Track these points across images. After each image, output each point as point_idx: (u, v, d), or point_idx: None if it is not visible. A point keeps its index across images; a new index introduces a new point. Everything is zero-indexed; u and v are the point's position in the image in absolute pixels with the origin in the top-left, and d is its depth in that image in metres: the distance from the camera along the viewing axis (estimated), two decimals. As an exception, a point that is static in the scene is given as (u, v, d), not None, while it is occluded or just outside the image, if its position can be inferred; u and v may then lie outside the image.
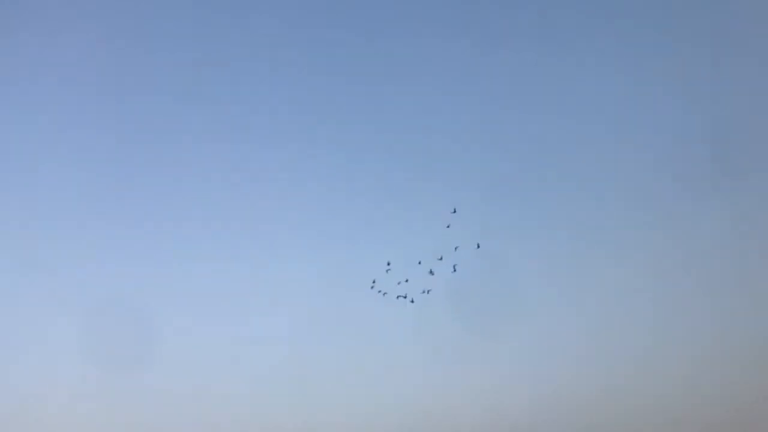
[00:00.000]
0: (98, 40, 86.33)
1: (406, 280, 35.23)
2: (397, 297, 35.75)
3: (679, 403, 55.45)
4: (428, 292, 34.79)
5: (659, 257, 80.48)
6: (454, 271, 35.99)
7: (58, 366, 65.48)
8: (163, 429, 52.69)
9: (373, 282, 34.82)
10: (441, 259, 34.50)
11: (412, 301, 35.38)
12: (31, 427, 55.89)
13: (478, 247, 34.77)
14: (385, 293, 35.94)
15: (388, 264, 35.09)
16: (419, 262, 34.84)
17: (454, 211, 34.66)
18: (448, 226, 34.81)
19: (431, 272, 34.24)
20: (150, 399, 59.00)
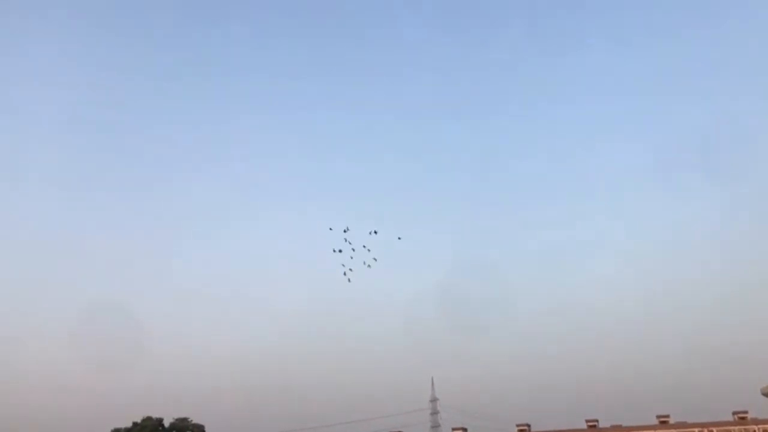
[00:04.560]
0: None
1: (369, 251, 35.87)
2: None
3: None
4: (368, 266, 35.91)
5: (643, 253, 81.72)
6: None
7: (50, 361, 66.64)
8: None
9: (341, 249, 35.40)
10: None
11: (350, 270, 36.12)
12: (22, 421, 57.08)
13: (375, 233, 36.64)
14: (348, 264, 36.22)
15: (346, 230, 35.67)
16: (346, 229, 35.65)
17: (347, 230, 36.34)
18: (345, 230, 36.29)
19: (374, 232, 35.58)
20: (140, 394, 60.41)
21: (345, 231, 35.83)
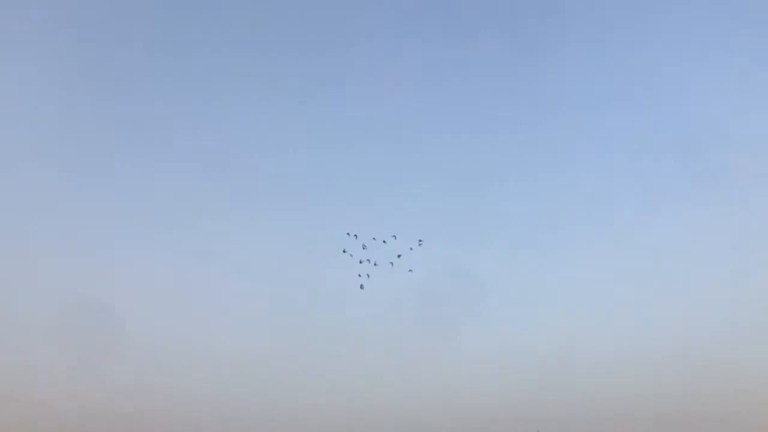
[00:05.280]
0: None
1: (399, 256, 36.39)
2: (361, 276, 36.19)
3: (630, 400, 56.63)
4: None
5: (627, 259, 78.91)
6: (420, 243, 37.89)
7: (31, 361, 63.62)
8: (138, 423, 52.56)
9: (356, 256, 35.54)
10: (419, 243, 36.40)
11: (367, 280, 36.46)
12: (5, 421, 55.17)
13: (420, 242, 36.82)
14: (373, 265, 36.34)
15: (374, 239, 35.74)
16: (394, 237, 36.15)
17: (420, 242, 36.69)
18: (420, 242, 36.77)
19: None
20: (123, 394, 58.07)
21: (356, 236, 35.71)
